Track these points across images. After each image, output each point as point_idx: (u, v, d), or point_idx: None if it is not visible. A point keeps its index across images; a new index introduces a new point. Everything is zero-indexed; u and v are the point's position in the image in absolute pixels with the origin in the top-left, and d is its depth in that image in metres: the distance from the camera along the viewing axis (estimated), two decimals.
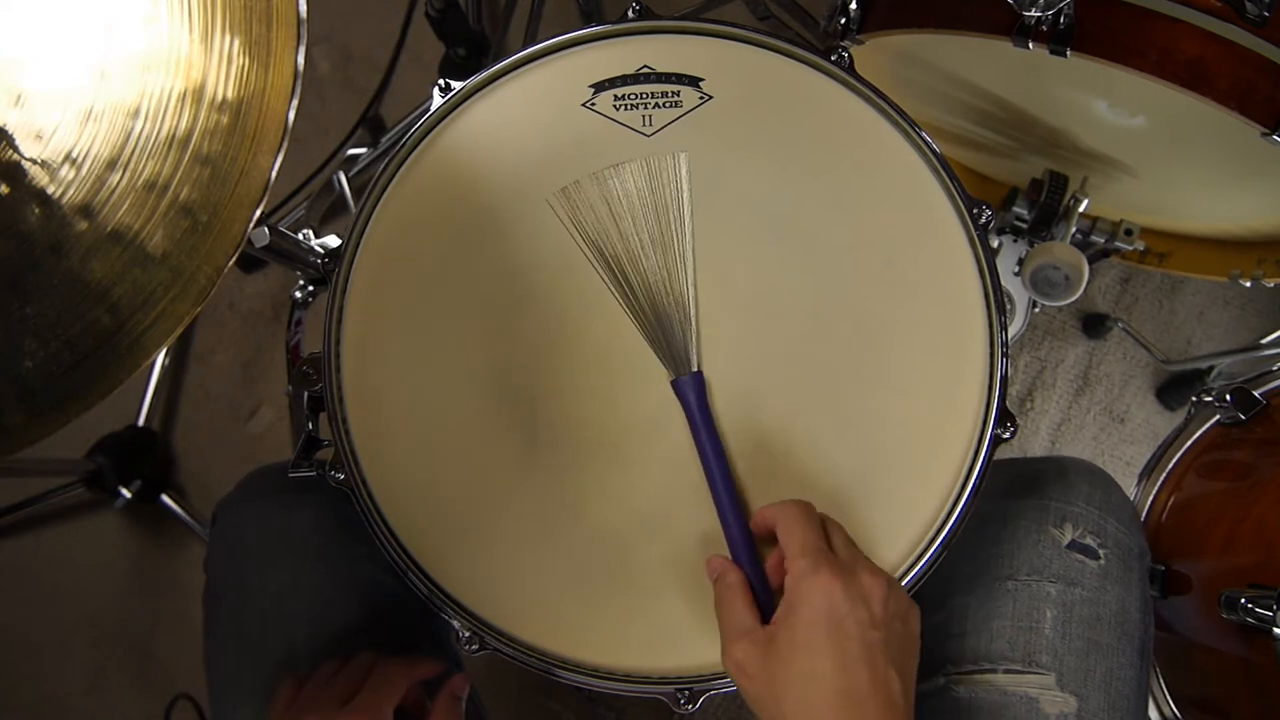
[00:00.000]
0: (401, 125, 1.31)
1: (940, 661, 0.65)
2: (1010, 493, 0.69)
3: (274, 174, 0.50)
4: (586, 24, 0.63)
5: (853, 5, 0.77)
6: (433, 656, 0.68)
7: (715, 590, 0.55)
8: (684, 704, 0.57)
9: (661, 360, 0.60)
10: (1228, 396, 0.76)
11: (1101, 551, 0.65)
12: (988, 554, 0.66)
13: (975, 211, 0.60)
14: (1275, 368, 0.78)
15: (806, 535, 0.52)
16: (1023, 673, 0.63)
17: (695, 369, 0.59)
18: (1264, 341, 1.19)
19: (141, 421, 1.30)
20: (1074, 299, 0.98)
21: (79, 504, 1.32)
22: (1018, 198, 1.02)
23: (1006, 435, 0.59)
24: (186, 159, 0.50)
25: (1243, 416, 0.76)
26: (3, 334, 0.49)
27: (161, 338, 0.50)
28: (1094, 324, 1.30)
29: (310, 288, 1.04)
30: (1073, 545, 0.65)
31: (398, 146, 0.61)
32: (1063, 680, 0.62)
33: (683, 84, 0.62)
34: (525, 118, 0.62)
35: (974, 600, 0.65)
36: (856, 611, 0.49)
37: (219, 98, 0.50)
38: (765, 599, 0.55)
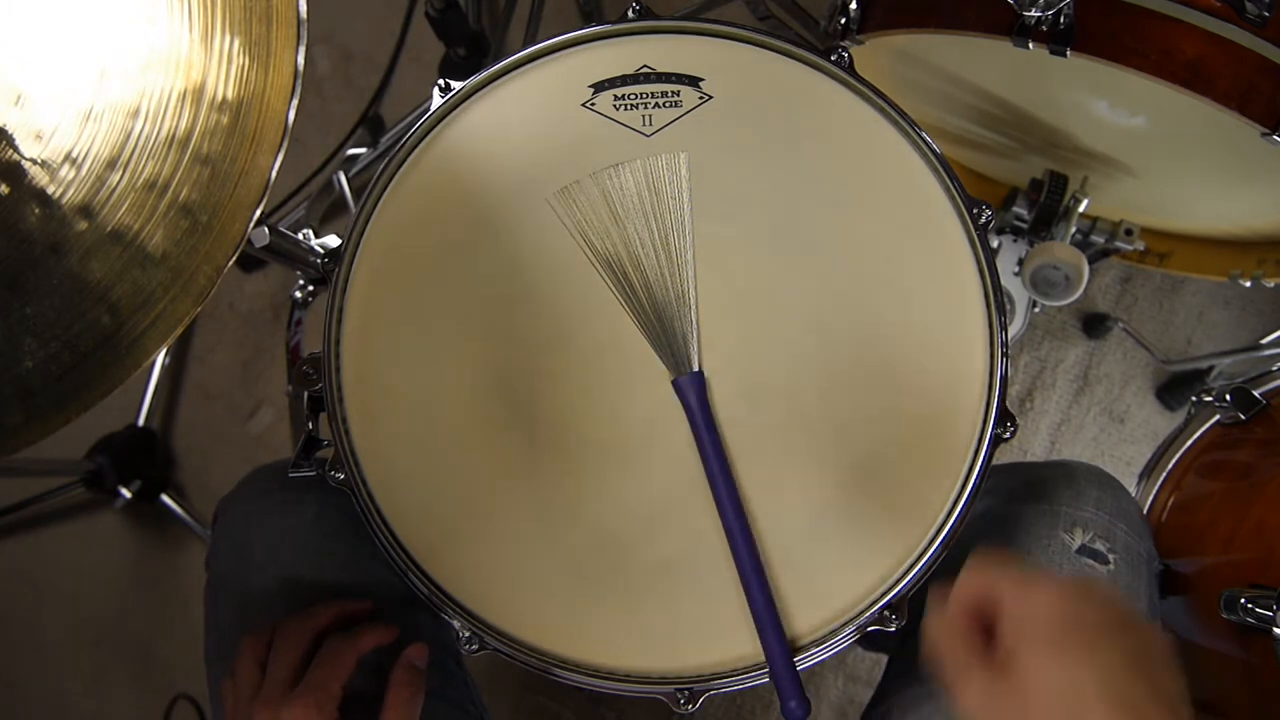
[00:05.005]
0: (401, 125, 1.31)
1: None
2: (1019, 498, 0.69)
3: (274, 174, 0.50)
4: (586, 24, 0.63)
5: (853, 5, 0.77)
6: (384, 623, 0.63)
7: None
8: (684, 704, 0.57)
9: (662, 359, 0.60)
10: (1228, 396, 0.76)
11: (1111, 556, 0.65)
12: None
13: (975, 211, 0.60)
14: (1275, 368, 0.78)
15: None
16: None
17: (696, 368, 0.59)
18: (1264, 341, 1.19)
19: (141, 421, 1.30)
20: (1074, 299, 0.98)
21: (79, 504, 1.32)
22: (1018, 198, 1.02)
23: (1006, 435, 0.59)
24: (186, 159, 0.50)
25: (1243, 416, 0.75)
26: (3, 334, 0.49)
27: (161, 338, 0.50)
28: (1094, 324, 1.30)
29: (310, 288, 1.05)
30: (1082, 550, 0.65)
31: (398, 146, 0.61)
32: None
33: (683, 84, 0.62)
34: (525, 118, 0.62)
35: None
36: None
37: (219, 98, 0.50)
38: (768, 613, 0.55)
